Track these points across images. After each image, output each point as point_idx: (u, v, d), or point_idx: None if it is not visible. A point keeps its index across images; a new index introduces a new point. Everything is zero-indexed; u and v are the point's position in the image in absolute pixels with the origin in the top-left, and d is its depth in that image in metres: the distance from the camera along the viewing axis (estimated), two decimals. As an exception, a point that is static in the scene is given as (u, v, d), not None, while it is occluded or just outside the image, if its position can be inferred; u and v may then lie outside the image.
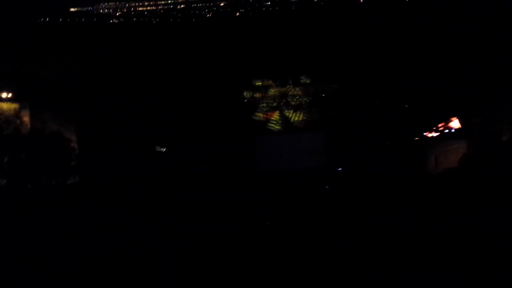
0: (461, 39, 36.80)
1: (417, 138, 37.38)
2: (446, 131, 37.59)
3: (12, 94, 37.36)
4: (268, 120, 40.71)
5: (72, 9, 44.57)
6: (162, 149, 39.32)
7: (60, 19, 44.33)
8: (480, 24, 36.51)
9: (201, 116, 39.90)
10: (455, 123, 37.84)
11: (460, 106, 37.35)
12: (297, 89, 40.95)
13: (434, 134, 37.69)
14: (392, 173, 34.15)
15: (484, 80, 35.98)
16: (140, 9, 45.83)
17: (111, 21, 45.60)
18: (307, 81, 40.99)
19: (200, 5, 45.49)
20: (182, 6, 45.58)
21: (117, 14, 45.71)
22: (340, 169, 37.73)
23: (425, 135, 37.54)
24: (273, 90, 41.14)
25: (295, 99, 40.74)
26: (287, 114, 40.69)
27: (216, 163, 37.49)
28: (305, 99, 40.83)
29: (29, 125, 36.92)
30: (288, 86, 41.04)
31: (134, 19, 45.85)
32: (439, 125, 37.74)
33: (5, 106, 37.02)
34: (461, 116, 37.74)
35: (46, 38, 40.77)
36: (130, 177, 35.29)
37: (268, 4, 45.19)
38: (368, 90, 39.36)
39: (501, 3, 36.34)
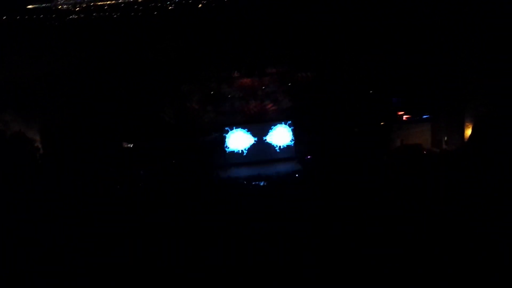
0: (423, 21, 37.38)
1: (382, 123, 37.88)
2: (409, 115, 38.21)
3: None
4: (236, 112, 40.60)
5: (30, 6, 43.47)
6: (129, 145, 38.86)
7: (18, 17, 43.22)
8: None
9: (169, 110, 39.63)
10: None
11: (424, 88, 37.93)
12: (264, 79, 40.93)
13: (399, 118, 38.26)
14: (360, 158, 34.60)
15: (446, 62, 36.58)
16: (99, 3, 45.03)
17: (70, 17, 44.68)
18: (274, 71, 41.01)
19: (162, -3, 45.04)
20: (143, -1, 45.04)
21: (77, 9, 44.81)
22: (309, 157, 38.05)
23: (390, 119, 38.01)
24: (238, 82, 41.03)
25: (262, 90, 40.74)
26: (255, 105, 40.68)
27: (186, 157, 37.25)
28: (272, 89, 40.87)
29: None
30: (254, 77, 40.97)
31: (94, 14, 45.02)
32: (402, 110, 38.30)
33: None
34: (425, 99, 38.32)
35: (5, 37, 39.79)
36: (97, 175, 34.84)
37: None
38: (333, 78, 39.59)
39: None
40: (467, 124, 35.83)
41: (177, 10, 44.82)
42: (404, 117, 37.94)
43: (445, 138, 37.04)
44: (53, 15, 44.50)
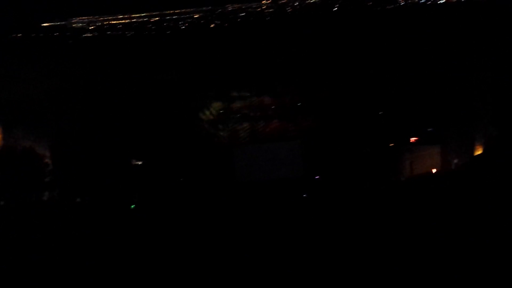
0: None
1: (392, 144, 37.72)
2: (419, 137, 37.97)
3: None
4: (244, 131, 40.71)
5: (44, 24, 44.18)
6: (138, 163, 39.08)
7: (33, 35, 43.91)
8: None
9: (177, 128, 39.84)
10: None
11: (434, 112, 37.77)
12: (273, 99, 41.06)
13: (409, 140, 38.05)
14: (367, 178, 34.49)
15: (457, 86, 36.51)
16: (113, 22, 45.65)
17: (84, 35, 45.33)
18: (282, 91, 41.12)
19: (175, 17, 45.49)
20: (156, 18, 45.54)
21: (91, 28, 45.47)
22: (317, 177, 37.87)
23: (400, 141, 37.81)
24: (248, 101, 41.21)
25: (271, 109, 40.84)
26: (263, 124, 40.76)
27: (195, 175, 37.36)
28: (282, 108, 40.97)
29: (1, 142, 36.57)
30: (263, 96, 41.13)
31: (108, 32, 45.63)
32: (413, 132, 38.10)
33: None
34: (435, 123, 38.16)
35: (18, 53, 40.42)
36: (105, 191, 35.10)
37: (243, 15, 45.42)
38: (344, 97, 39.62)
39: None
40: (477, 146, 35.55)
41: (189, 29, 45.30)
42: (412, 139, 37.74)
43: (455, 161, 36.68)
44: (68, 33, 45.13)
